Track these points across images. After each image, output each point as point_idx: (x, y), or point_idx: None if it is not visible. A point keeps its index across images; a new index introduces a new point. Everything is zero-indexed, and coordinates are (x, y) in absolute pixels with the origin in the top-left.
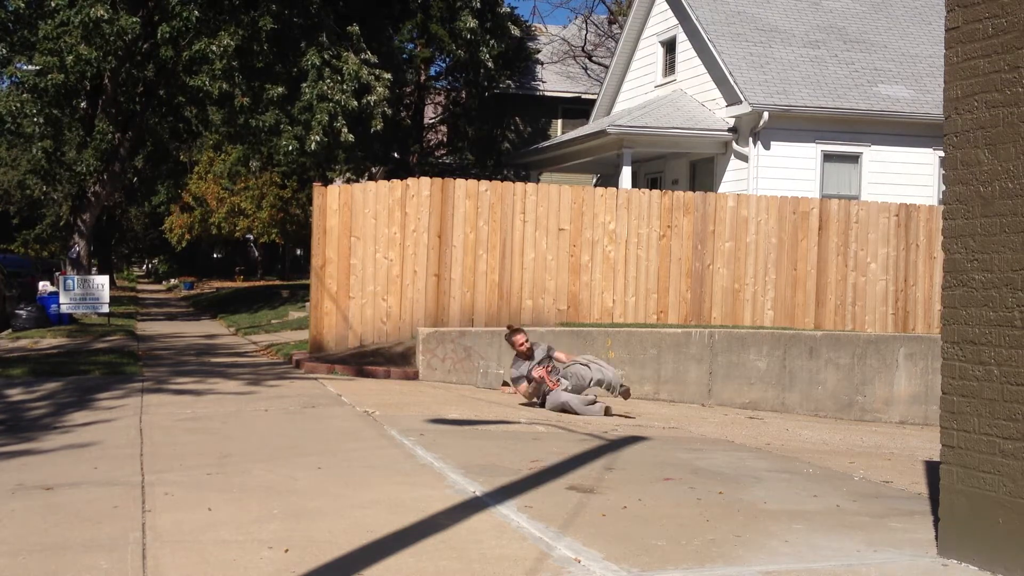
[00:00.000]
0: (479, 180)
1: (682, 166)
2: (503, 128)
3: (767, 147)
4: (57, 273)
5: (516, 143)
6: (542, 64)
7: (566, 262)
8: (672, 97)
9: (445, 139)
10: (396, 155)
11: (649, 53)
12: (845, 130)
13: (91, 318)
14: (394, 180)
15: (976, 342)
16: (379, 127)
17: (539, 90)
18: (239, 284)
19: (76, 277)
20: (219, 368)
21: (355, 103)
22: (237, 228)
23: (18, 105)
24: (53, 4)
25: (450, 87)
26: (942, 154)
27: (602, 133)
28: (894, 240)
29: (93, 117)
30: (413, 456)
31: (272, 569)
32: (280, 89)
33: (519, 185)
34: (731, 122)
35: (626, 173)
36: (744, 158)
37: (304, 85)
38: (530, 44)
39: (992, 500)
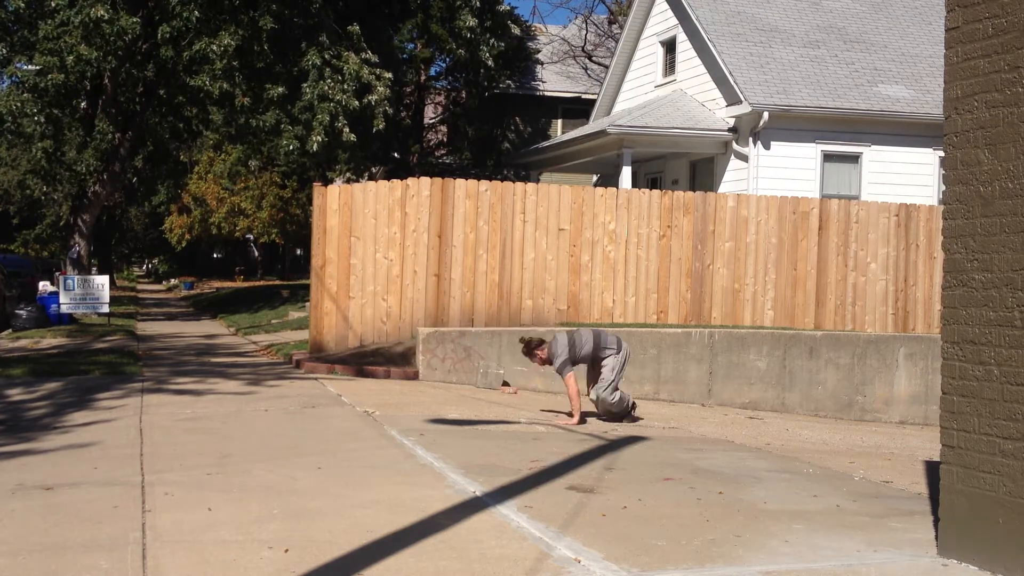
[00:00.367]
0: (479, 180)
1: (682, 166)
2: (503, 128)
3: (767, 147)
4: (57, 273)
5: (516, 143)
6: (542, 64)
7: (566, 262)
8: (672, 97)
9: (445, 139)
10: (396, 155)
11: (649, 53)
12: (845, 130)
13: (91, 318)
14: (394, 180)
15: (976, 342)
16: (381, 126)
17: (539, 90)
18: (239, 284)
19: (76, 277)
20: (219, 368)
21: (356, 103)
22: (237, 228)
23: (18, 105)
24: (53, 4)
25: (450, 87)
26: (942, 154)
27: (602, 133)
28: (894, 240)
29: (93, 117)
30: (413, 456)
31: (272, 569)
32: (280, 89)
33: (519, 185)
34: (731, 122)
35: (626, 173)
36: (744, 158)
37: (305, 85)
38: (530, 44)
39: (992, 500)
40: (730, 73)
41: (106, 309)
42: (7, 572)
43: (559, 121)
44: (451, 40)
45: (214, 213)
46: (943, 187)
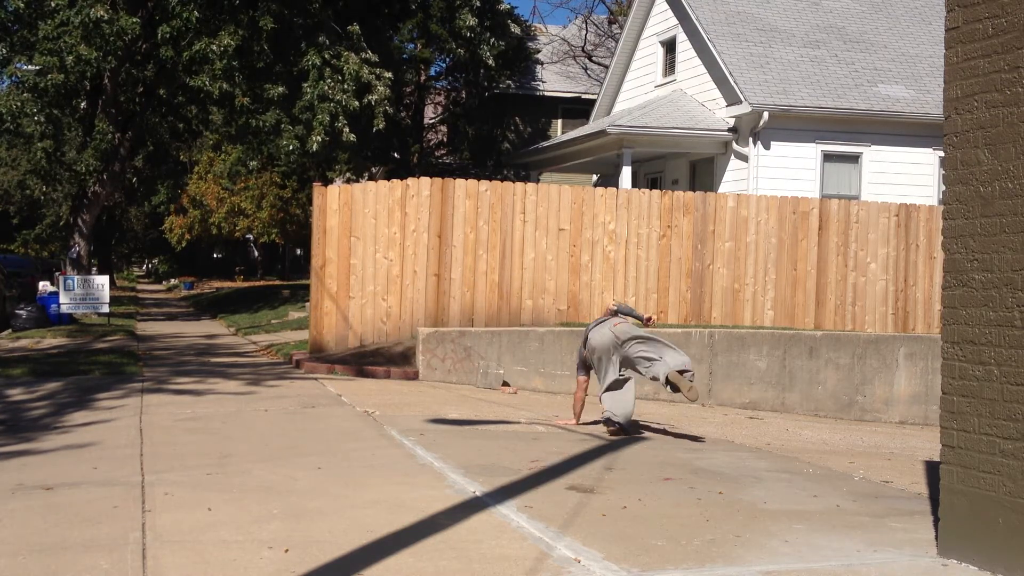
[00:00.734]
0: (479, 180)
1: (682, 166)
2: (503, 128)
3: (767, 147)
4: (57, 273)
5: (516, 143)
6: (542, 64)
7: (566, 262)
8: (672, 97)
9: (445, 139)
10: (396, 155)
11: (649, 53)
12: (845, 130)
13: (91, 318)
14: (394, 180)
15: (976, 342)
16: (381, 126)
17: (539, 90)
18: (239, 284)
19: (76, 277)
20: (219, 368)
21: (356, 103)
22: (237, 228)
23: (18, 105)
24: (53, 4)
25: (450, 87)
26: (942, 154)
27: (602, 133)
28: (894, 240)
29: (93, 117)
30: (413, 456)
31: (272, 569)
32: (281, 89)
33: (519, 185)
34: (731, 122)
35: (626, 173)
36: (744, 158)
37: (305, 85)
38: (530, 44)
39: (992, 500)
40: (730, 73)
41: (106, 309)
42: (7, 572)
43: (559, 121)
44: (451, 40)
45: (214, 213)
46: (943, 187)
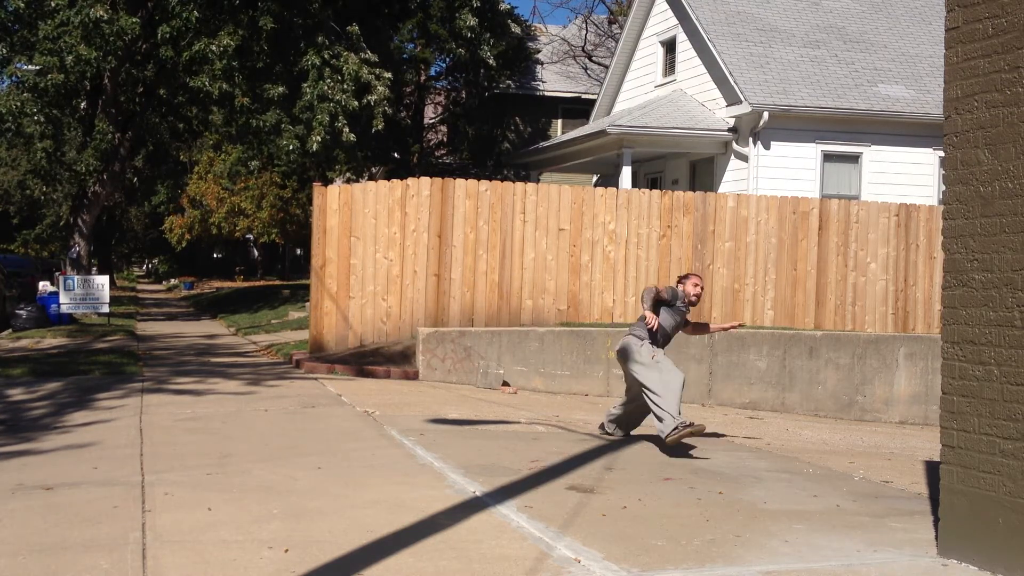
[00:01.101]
0: (479, 180)
1: (682, 166)
2: (503, 128)
3: (767, 147)
4: (57, 273)
5: (516, 143)
6: (542, 64)
7: (566, 262)
8: (672, 97)
9: (445, 139)
10: (396, 155)
11: (649, 53)
12: (845, 130)
13: (91, 318)
14: (394, 180)
15: (976, 342)
16: (380, 127)
17: (539, 90)
18: (239, 284)
19: (76, 277)
20: (219, 368)
21: (356, 103)
22: (237, 228)
23: (18, 105)
24: (53, 4)
25: (450, 87)
26: (942, 154)
27: (602, 133)
28: (894, 240)
29: (93, 117)
30: (413, 456)
31: (272, 569)
32: (281, 89)
33: (519, 185)
34: (731, 122)
35: (626, 173)
36: (744, 158)
37: (305, 85)
38: (530, 44)
39: (992, 500)
40: (730, 73)
41: (106, 309)
42: (7, 572)
43: (559, 121)
44: (451, 40)
45: (214, 213)
46: (943, 187)
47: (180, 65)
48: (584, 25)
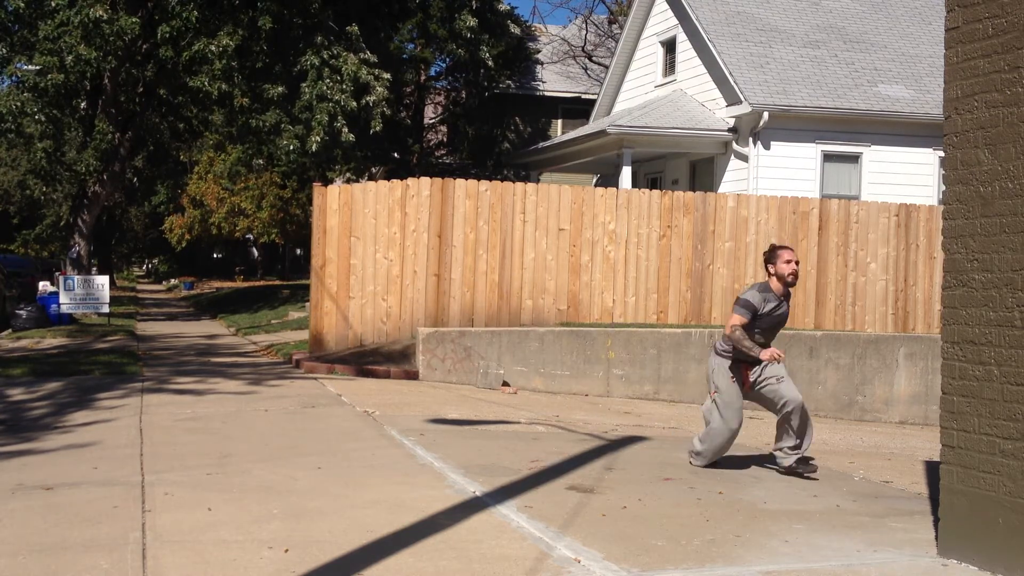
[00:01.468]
0: (479, 180)
1: (682, 166)
2: (503, 128)
3: (767, 147)
4: (57, 273)
5: (516, 143)
6: (542, 64)
7: (566, 262)
8: (672, 97)
9: (445, 139)
10: (396, 155)
11: (649, 53)
12: (845, 130)
13: (91, 318)
14: (394, 180)
15: (976, 342)
16: (378, 127)
17: (539, 90)
18: (239, 284)
19: (77, 277)
20: (219, 368)
21: (354, 103)
22: (237, 228)
23: (18, 105)
24: (53, 4)
25: (450, 87)
26: (942, 154)
27: (602, 133)
28: (894, 240)
29: (93, 117)
30: (413, 456)
31: (272, 569)
32: (280, 89)
33: (519, 185)
34: (731, 122)
35: (626, 173)
36: (744, 158)
37: (304, 85)
38: (530, 44)
39: (992, 500)
40: (730, 73)
41: (106, 309)
42: (7, 572)
43: (559, 121)
44: (451, 40)
45: (214, 213)
46: (943, 187)
47: (180, 65)
48: (584, 25)
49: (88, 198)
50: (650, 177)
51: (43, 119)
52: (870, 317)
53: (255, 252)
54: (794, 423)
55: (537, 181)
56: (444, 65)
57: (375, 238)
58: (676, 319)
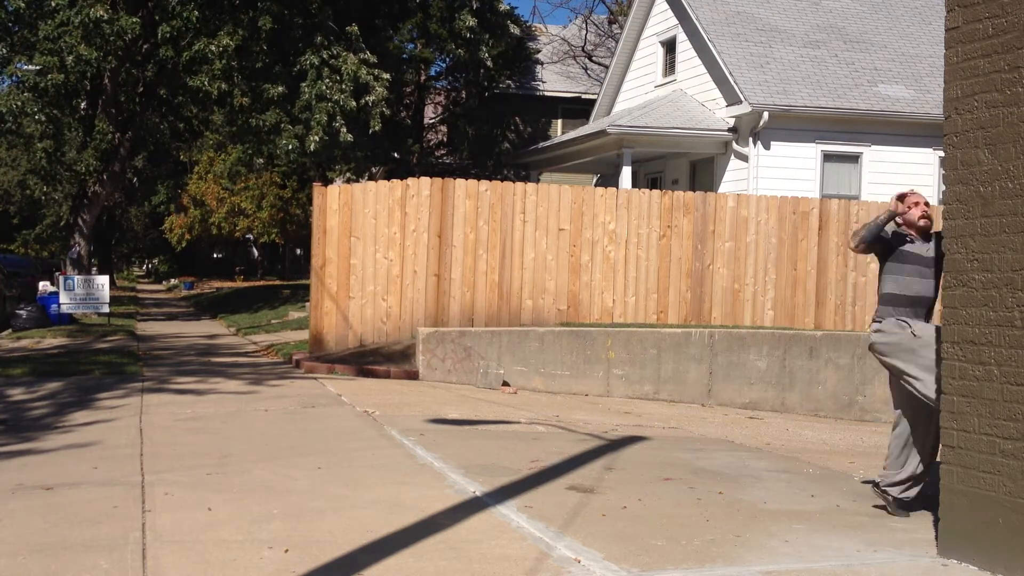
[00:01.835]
0: (479, 180)
1: (682, 166)
2: (503, 128)
3: (767, 147)
4: (57, 273)
5: (516, 143)
6: (542, 64)
7: (566, 262)
8: (672, 97)
9: (445, 139)
10: (396, 155)
11: (649, 53)
12: (845, 130)
13: (91, 318)
14: (394, 180)
15: (976, 342)
16: (378, 127)
17: (539, 90)
18: (239, 284)
19: (77, 277)
20: (219, 368)
21: (353, 103)
22: (237, 228)
23: (18, 105)
24: (53, 4)
25: (450, 87)
26: (942, 154)
27: (602, 133)
28: None
29: (93, 117)
30: (413, 456)
31: (272, 569)
32: (280, 88)
33: (519, 185)
34: (731, 122)
35: (626, 173)
36: (744, 158)
37: (304, 85)
38: (530, 44)
39: (992, 500)
40: (730, 73)
41: (106, 309)
42: (7, 572)
43: (559, 121)
44: (451, 40)
45: (214, 213)
46: (943, 187)
47: (180, 65)
48: (584, 25)
49: (88, 198)
50: (650, 177)
51: (43, 119)
52: (870, 317)
53: (255, 252)
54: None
55: (537, 181)
56: (444, 65)
57: (375, 238)
58: (676, 319)
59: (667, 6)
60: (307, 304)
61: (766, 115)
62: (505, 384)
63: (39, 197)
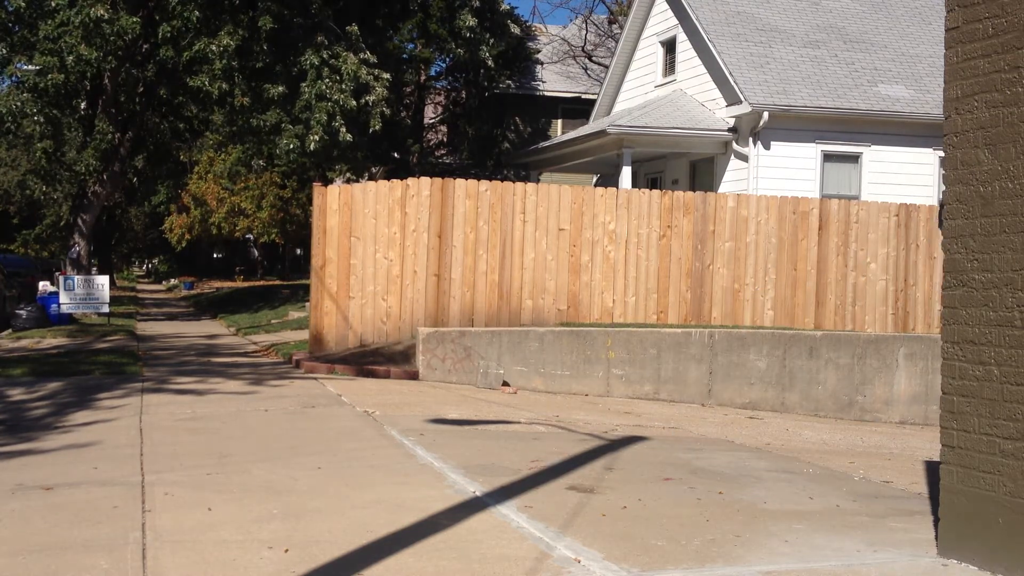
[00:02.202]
0: (479, 180)
1: (682, 166)
2: (503, 128)
3: (767, 147)
4: (57, 273)
5: (516, 143)
6: (542, 64)
7: (566, 262)
8: (672, 97)
9: (445, 139)
10: (396, 155)
11: (649, 53)
12: (845, 130)
13: (91, 318)
14: (394, 180)
15: (976, 342)
16: (377, 127)
17: (539, 90)
18: (239, 284)
19: (76, 277)
20: (219, 368)
21: (354, 103)
22: (237, 228)
23: (18, 105)
24: (53, 4)
25: (450, 87)
26: (942, 154)
27: (602, 133)
28: (894, 240)
29: (93, 117)
30: (413, 456)
31: (272, 569)
32: (280, 88)
33: (519, 185)
34: (731, 122)
35: (626, 173)
36: (744, 158)
37: (304, 84)
38: (530, 44)
39: (992, 500)
40: (730, 73)
41: (106, 309)
42: (7, 572)
43: (559, 121)
44: (451, 40)
45: (214, 213)
46: (943, 187)
47: (180, 65)
48: (584, 25)
49: (88, 198)
50: (650, 177)
51: (42, 120)
52: (870, 317)
53: (255, 252)
54: None
55: (537, 181)
56: (444, 65)
57: (375, 238)
58: (676, 319)
59: (667, 6)
60: (307, 304)
61: (766, 115)
62: (505, 384)
63: (39, 197)
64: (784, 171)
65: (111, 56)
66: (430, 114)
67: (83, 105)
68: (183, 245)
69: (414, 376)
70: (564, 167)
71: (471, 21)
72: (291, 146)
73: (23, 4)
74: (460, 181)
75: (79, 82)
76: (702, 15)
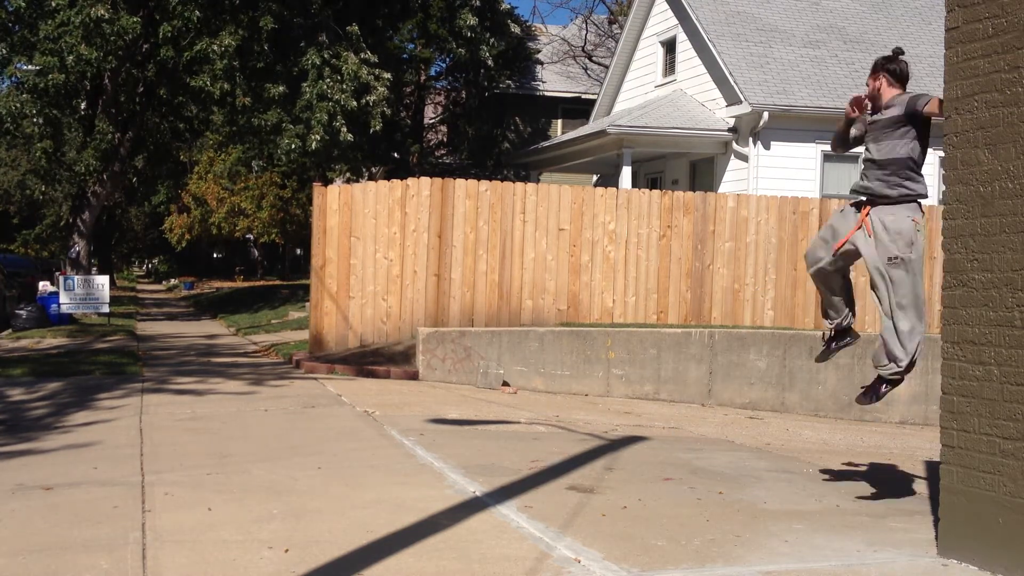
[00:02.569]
0: (479, 180)
1: (682, 166)
2: (503, 128)
3: (767, 147)
4: (57, 273)
5: (516, 143)
6: (542, 64)
7: (566, 262)
8: (672, 97)
9: (445, 139)
10: (396, 155)
11: (649, 53)
12: None
13: (91, 318)
14: (394, 180)
15: (976, 342)
16: (378, 127)
17: (539, 90)
18: (239, 284)
19: (76, 277)
20: (219, 368)
21: (354, 103)
22: (237, 228)
23: (18, 105)
24: (53, 4)
25: (450, 87)
26: (942, 154)
27: (602, 133)
28: None
29: (93, 117)
30: (413, 456)
31: (272, 569)
32: (281, 88)
33: (519, 185)
34: (731, 122)
35: (626, 173)
36: (744, 158)
37: (304, 84)
38: (530, 44)
39: (992, 500)
40: (730, 73)
41: (106, 309)
42: (7, 572)
43: (559, 121)
44: (451, 40)
45: (214, 213)
46: (943, 187)
47: (181, 65)
48: (584, 25)
49: (88, 198)
50: (650, 177)
51: (42, 121)
52: (870, 317)
53: (255, 252)
54: None
55: (537, 181)
56: (444, 65)
57: (375, 238)
58: (676, 319)
59: (667, 6)
60: (307, 304)
61: (766, 115)
62: (505, 384)
63: (39, 197)
64: (784, 171)
65: (111, 56)
66: (430, 114)
67: (83, 105)
68: (183, 245)
69: (414, 376)
70: (564, 167)
71: (471, 21)
72: (292, 146)
73: (23, 4)
74: (460, 181)
75: (79, 82)
76: (702, 15)
